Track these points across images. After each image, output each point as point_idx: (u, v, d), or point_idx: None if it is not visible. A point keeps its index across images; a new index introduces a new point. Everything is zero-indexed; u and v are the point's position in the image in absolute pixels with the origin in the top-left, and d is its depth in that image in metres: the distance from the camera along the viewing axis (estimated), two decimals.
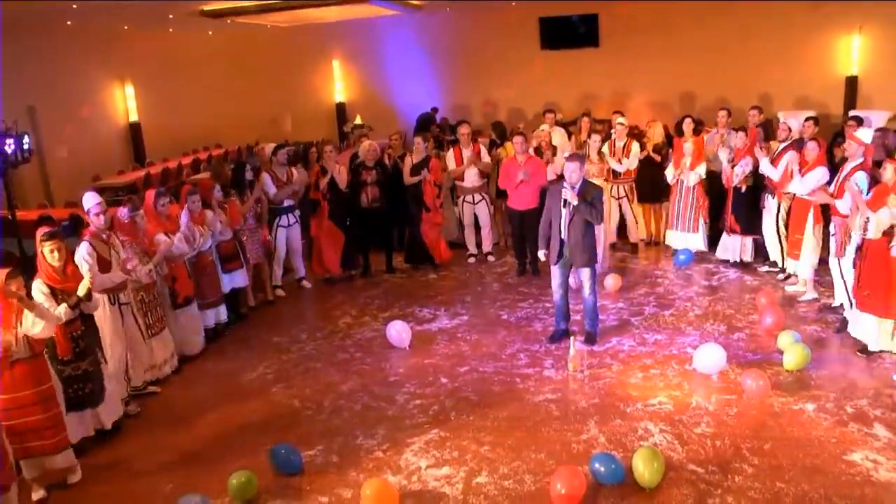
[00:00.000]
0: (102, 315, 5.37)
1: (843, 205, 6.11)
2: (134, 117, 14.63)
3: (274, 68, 16.94)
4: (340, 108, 17.90)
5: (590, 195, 6.11)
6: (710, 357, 5.69)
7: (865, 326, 5.85)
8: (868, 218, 5.45)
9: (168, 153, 14.59)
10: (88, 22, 12.47)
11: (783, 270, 7.72)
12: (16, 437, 4.39)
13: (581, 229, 6.14)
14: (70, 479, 4.72)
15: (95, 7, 10.73)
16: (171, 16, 12.78)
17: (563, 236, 6.20)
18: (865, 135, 6.22)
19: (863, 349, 5.89)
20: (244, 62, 16.76)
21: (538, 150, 8.75)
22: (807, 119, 7.49)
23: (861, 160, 6.08)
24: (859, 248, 5.76)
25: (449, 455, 4.82)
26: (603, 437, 4.94)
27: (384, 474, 4.59)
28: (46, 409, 4.49)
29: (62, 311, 4.64)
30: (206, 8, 12.13)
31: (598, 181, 8.24)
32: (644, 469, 4.30)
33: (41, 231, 4.80)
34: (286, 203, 8.01)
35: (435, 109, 15.82)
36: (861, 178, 5.91)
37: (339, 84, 17.80)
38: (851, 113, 9.48)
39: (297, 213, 8.17)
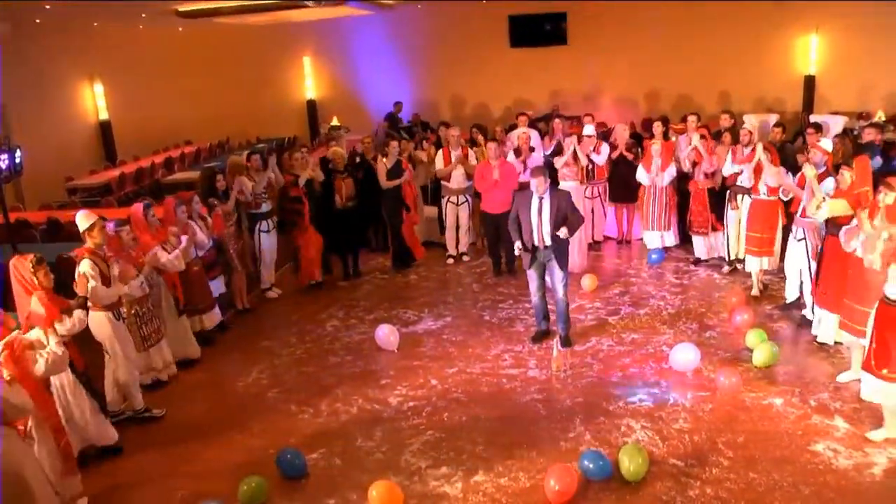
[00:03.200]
0: (104, 331, 5.53)
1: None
2: (104, 115, 14.54)
3: (245, 65, 16.95)
4: (311, 106, 17.97)
5: (563, 206, 6.35)
6: (685, 356, 6.06)
7: (825, 322, 6.24)
8: (824, 198, 5.88)
9: (139, 152, 14.56)
10: (57, 19, 12.36)
11: (730, 263, 8.22)
12: None
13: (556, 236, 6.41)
14: None
15: (69, 5, 10.65)
16: (143, 14, 12.72)
17: (535, 242, 6.49)
18: (827, 144, 6.72)
19: (823, 343, 6.33)
20: (214, 58, 16.73)
21: (517, 152, 9.03)
22: (775, 125, 7.93)
23: (825, 168, 6.52)
24: (819, 249, 6.16)
25: (446, 455, 5.09)
26: (589, 434, 5.26)
27: (386, 475, 4.83)
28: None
29: (79, 315, 4.81)
30: (182, 9, 12.11)
31: (573, 183, 8.59)
32: (629, 464, 4.63)
33: (30, 257, 4.79)
34: (264, 208, 8.04)
35: (398, 104, 15.98)
36: (830, 182, 6.30)
37: (309, 81, 17.85)
38: (811, 119, 9.96)
39: (275, 218, 8.22)
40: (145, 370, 6.17)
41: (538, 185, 6.34)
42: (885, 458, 4.76)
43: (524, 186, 8.76)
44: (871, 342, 4.90)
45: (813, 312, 6.51)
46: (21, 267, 4.76)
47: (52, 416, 4.58)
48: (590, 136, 9.01)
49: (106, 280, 5.44)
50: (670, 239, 9.01)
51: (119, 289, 5.54)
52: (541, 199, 6.37)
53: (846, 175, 5.85)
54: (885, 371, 4.79)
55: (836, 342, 6.20)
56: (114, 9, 11.39)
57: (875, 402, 5.04)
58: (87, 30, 13.79)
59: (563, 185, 8.50)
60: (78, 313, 4.82)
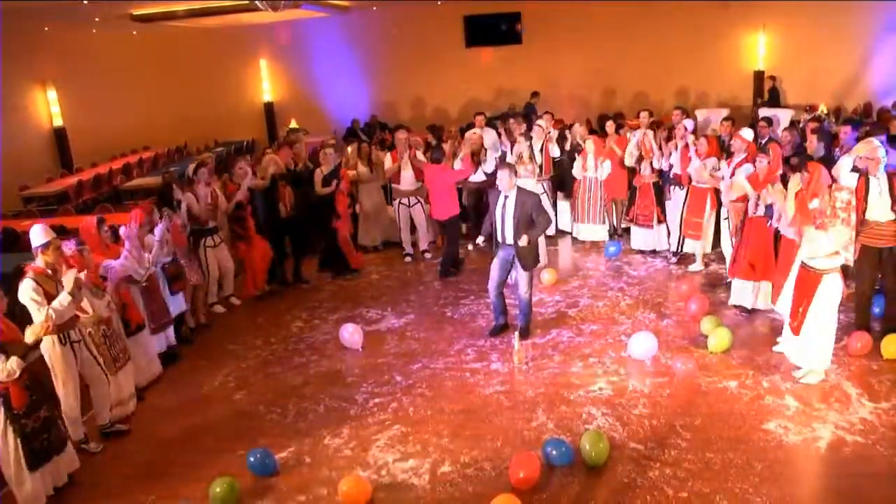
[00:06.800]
0: (52, 355, 5.13)
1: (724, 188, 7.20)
2: (58, 122, 14.30)
3: (201, 68, 16.85)
4: (269, 108, 17.92)
5: (528, 207, 6.45)
6: (643, 344, 6.26)
7: (745, 291, 6.92)
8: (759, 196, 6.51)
9: (97, 158, 14.38)
10: (6, 23, 12.11)
11: (676, 254, 8.55)
12: None
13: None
14: None
15: (19, 7, 10.46)
16: (97, 18, 12.55)
17: (499, 238, 6.63)
18: (748, 134, 7.25)
19: (744, 310, 6.99)
20: (170, 62, 16.59)
21: (473, 154, 9.15)
22: (724, 119, 8.30)
23: (745, 154, 7.09)
24: (741, 227, 6.76)
25: (412, 448, 5.19)
26: (551, 423, 5.41)
27: (355, 470, 4.92)
28: None
29: (13, 364, 4.43)
30: (136, 13, 12.00)
31: (531, 181, 8.75)
32: (591, 450, 4.78)
33: None
34: (210, 224, 7.83)
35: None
36: (748, 168, 6.89)
37: (266, 84, 17.80)
38: (762, 113, 10.34)
39: (221, 233, 8.02)
40: (117, 403, 5.73)
41: (501, 178, 6.45)
42: (829, 433, 5.01)
43: (481, 186, 8.95)
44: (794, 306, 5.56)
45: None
46: None
47: None
48: (541, 128, 9.27)
49: (52, 300, 4.96)
50: (602, 233, 9.34)
51: (64, 299, 4.97)
52: (506, 196, 6.48)
53: (764, 162, 6.51)
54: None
55: (753, 308, 6.95)
56: (66, 12, 11.22)
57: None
58: (38, 35, 13.54)
59: (518, 183, 8.63)
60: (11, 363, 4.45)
